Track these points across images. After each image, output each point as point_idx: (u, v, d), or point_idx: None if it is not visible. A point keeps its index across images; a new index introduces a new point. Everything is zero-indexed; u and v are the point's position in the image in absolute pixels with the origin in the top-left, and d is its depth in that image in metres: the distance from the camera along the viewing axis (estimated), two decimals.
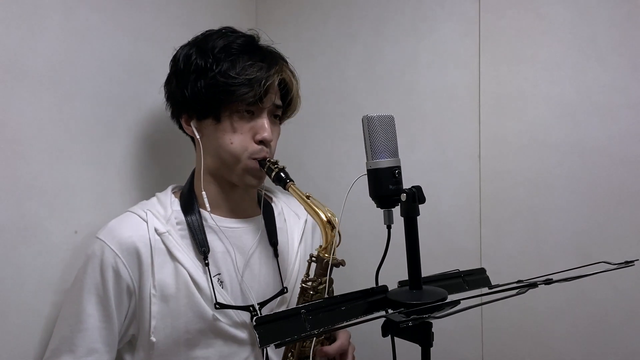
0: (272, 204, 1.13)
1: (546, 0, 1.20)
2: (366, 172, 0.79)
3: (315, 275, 0.94)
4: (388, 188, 0.77)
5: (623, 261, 0.77)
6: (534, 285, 0.70)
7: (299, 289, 0.97)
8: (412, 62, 1.35)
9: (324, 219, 0.92)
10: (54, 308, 1.02)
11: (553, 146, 1.20)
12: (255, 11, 1.57)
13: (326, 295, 0.94)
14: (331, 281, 0.94)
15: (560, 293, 1.18)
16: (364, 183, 0.79)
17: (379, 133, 0.77)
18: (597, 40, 1.15)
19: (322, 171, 1.47)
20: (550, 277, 0.72)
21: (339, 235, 0.93)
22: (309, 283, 0.94)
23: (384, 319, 0.69)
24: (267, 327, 0.63)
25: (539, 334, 1.23)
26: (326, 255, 0.92)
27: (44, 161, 1.00)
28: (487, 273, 0.91)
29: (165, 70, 1.08)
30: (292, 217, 1.13)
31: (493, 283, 0.83)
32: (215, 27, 1.06)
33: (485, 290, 0.79)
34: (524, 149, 1.23)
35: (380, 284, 0.77)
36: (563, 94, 1.18)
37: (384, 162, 0.77)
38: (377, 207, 0.79)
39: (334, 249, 0.92)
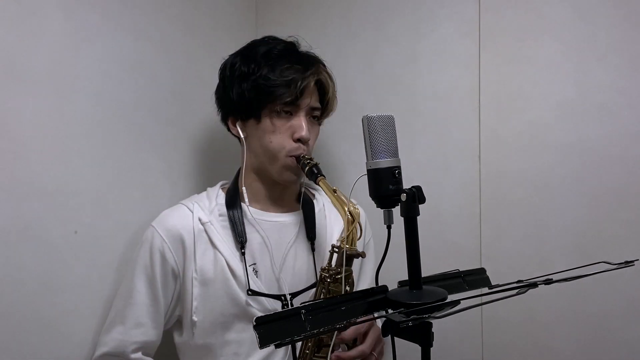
0: (314, 201, 1.18)
1: (546, 0, 1.19)
2: (366, 172, 0.79)
3: (335, 265, 0.97)
4: (388, 188, 0.77)
5: (623, 261, 0.77)
6: (534, 285, 0.70)
7: (319, 277, 1.00)
8: (412, 62, 1.35)
9: (347, 211, 0.96)
10: (54, 308, 1.02)
11: (553, 146, 1.19)
12: (255, 11, 1.57)
13: (345, 287, 0.96)
14: (350, 271, 0.97)
15: (560, 293, 1.18)
16: (364, 183, 0.79)
17: (379, 133, 0.77)
18: (597, 40, 1.15)
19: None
20: (550, 277, 0.72)
21: (360, 227, 0.97)
22: (327, 272, 0.98)
23: (384, 319, 0.69)
24: (267, 326, 0.63)
25: (538, 334, 1.22)
26: (346, 245, 0.95)
27: (44, 161, 1.00)
28: (487, 273, 0.91)
29: (165, 69, 1.09)
30: (333, 214, 1.16)
31: (493, 283, 0.83)
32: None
33: (485, 290, 0.79)
34: (524, 149, 1.23)
35: (380, 284, 0.77)
36: (563, 94, 1.18)
37: (384, 162, 0.77)
38: (377, 207, 0.79)
39: (355, 239, 0.96)
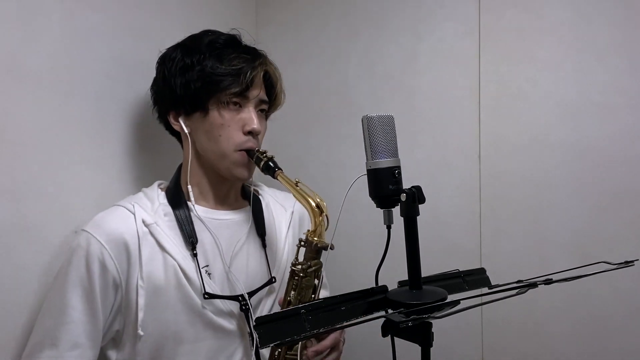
0: (259, 197, 1.14)
1: (546, 0, 1.20)
2: (366, 172, 0.79)
3: (304, 259, 0.96)
4: (388, 188, 0.76)
5: (623, 261, 0.77)
6: (534, 285, 0.70)
7: (289, 273, 0.98)
8: (412, 62, 1.35)
9: (313, 204, 0.94)
10: None
11: (553, 146, 1.19)
12: (255, 11, 1.57)
13: (316, 281, 0.95)
14: (320, 264, 0.96)
15: (560, 293, 1.18)
16: (364, 183, 0.79)
17: (378, 133, 0.77)
18: (597, 40, 1.15)
19: (322, 171, 1.47)
20: (550, 277, 0.72)
21: (327, 219, 0.94)
22: (299, 266, 0.95)
23: (384, 319, 0.69)
24: (267, 326, 0.63)
25: (539, 334, 1.22)
26: (315, 238, 0.94)
27: (44, 161, 1.00)
28: (487, 273, 0.91)
29: None
30: (278, 209, 1.14)
31: (493, 283, 0.83)
32: (216, 27, 1.06)
33: (485, 290, 0.79)
34: (524, 149, 1.23)
35: (380, 284, 0.76)
36: (563, 94, 1.18)
37: (384, 162, 0.77)
38: (377, 207, 0.79)
39: (322, 231, 0.94)
